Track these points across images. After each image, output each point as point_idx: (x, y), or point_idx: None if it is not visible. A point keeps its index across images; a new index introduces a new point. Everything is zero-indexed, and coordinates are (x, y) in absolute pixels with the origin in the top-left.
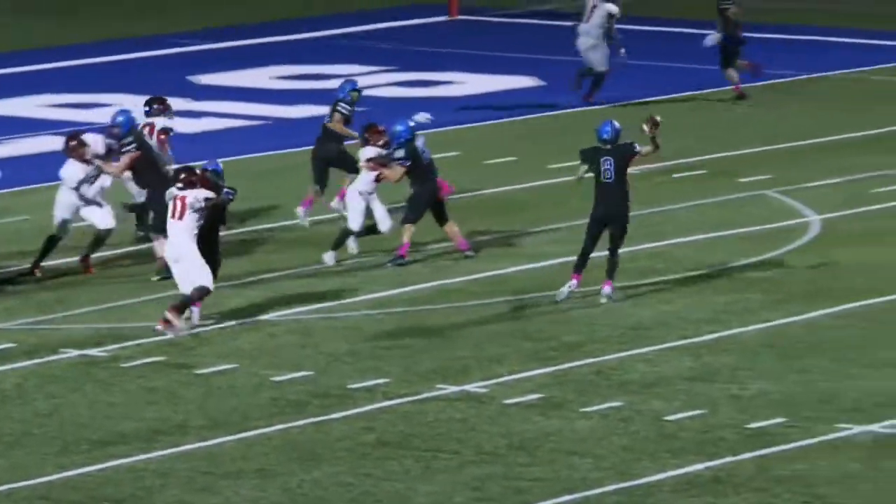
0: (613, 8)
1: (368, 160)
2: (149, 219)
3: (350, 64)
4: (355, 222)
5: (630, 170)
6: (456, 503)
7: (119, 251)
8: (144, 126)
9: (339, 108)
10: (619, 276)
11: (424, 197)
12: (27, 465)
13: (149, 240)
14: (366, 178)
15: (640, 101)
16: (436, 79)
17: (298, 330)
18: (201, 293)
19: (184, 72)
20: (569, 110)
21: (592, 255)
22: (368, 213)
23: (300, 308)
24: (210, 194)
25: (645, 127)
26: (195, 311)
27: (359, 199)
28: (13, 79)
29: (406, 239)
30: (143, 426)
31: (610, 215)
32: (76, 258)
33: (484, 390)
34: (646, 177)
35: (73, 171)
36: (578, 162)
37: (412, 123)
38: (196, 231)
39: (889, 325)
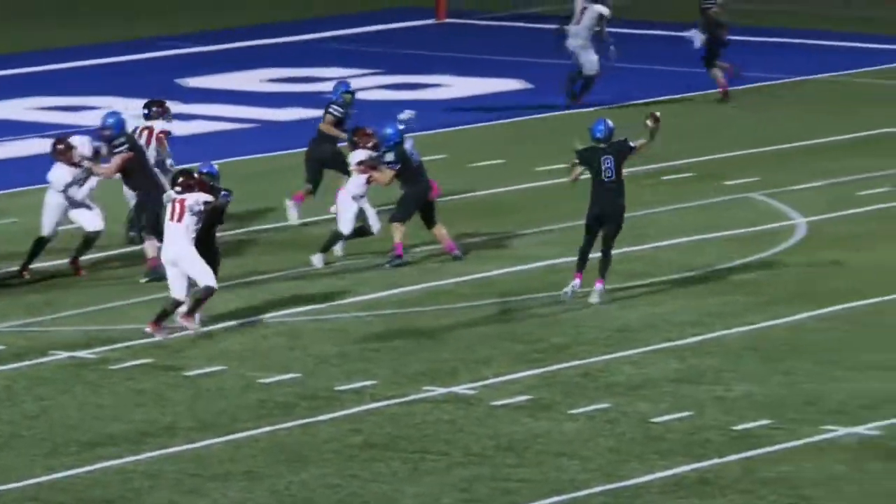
0: (604, 9)
1: (359, 163)
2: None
3: (338, 67)
4: (346, 225)
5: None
6: None
7: (108, 253)
8: (143, 129)
9: (330, 109)
10: (606, 278)
11: (414, 197)
12: (16, 467)
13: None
14: (357, 180)
15: (628, 103)
16: (423, 82)
17: (286, 332)
18: (208, 293)
19: (173, 75)
20: (556, 113)
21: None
22: (359, 216)
23: (288, 310)
24: (209, 198)
25: (648, 122)
26: (196, 316)
27: (351, 202)
28: (1, 82)
29: (398, 238)
30: (131, 428)
31: (607, 214)
32: (65, 260)
33: (472, 392)
34: (633, 179)
35: (60, 174)
36: (570, 164)
37: (401, 126)
38: (194, 234)
39: (873, 328)
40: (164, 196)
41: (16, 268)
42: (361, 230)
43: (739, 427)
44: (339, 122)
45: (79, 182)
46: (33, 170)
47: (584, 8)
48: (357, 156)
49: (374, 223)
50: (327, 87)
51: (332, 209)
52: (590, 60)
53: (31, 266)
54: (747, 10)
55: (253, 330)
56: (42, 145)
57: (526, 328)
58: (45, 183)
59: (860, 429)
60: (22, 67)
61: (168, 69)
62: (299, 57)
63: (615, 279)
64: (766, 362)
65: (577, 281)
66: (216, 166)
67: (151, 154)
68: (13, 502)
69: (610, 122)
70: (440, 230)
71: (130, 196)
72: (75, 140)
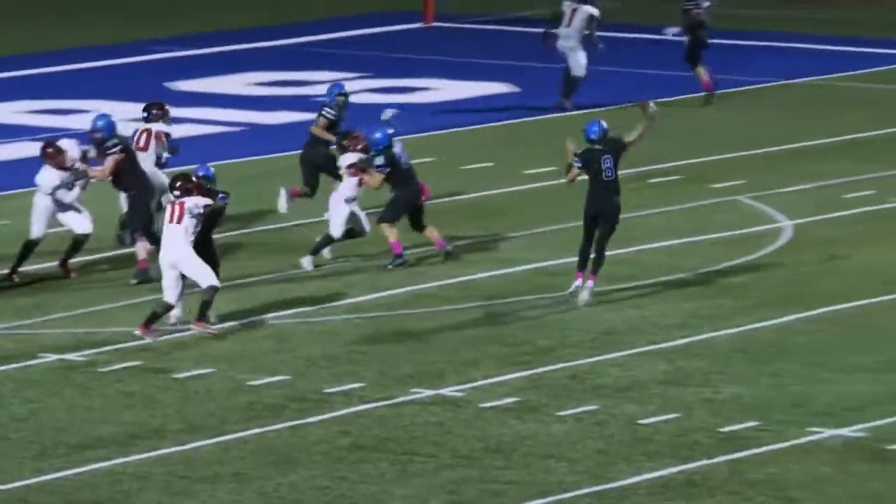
0: (594, 10)
1: (349, 166)
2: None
3: (326, 70)
4: (337, 229)
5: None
6: None
7: (98, 256)
8: (143, 131)
9: (323, 112)
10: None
11: (404, 199)
12: (4, 470)
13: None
14: (349, 183)
15: (616, 106)
16: (411, 85)
17: (275, 334)
18: (212, 292)
19: (161, 78)
20: (545, 116)
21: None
22: (350, 218)
23: (277, 313)
24: (208, 201)
25: (649, 107)
26: (210, 316)
27: (343, 206)
28: None
29: (393, 238)
30: (120, 430)
31: (604, 212)
32: (54, 263)
33: (459, 394)
34: (621, 182)
35: (48, 177)
36: (566, 164)
37: (390, 130)
38: (193, 236)
39: (860, 330)
40: (163, 199)
41: (5, 271)
42: (352, 232)
43: (727, 429)
44: (332, 125)
45: (67, 185)
46: (23, 173)
47: (575, 9)
48: (347, 159)
49: (365, 225)
50: (316, 90)
51: (327, 215)
52: (578, 62)
53: (21, 269)
54: (733, 15)
55: (242, 332)
56: (32, 148)
57: (513, 331)
58: (35, 186)
59: (846, 431)
60: (11, 71)
61: (157, 72)
62: (288, 60)
63: (603, 281)
64: (754, 364)
65: (579, 281)
66: (212, 169)
67: (152, 155)
68: None
69: (604, 123)
70: (432, 232)
71: (124, 199)
72: (64, 143)
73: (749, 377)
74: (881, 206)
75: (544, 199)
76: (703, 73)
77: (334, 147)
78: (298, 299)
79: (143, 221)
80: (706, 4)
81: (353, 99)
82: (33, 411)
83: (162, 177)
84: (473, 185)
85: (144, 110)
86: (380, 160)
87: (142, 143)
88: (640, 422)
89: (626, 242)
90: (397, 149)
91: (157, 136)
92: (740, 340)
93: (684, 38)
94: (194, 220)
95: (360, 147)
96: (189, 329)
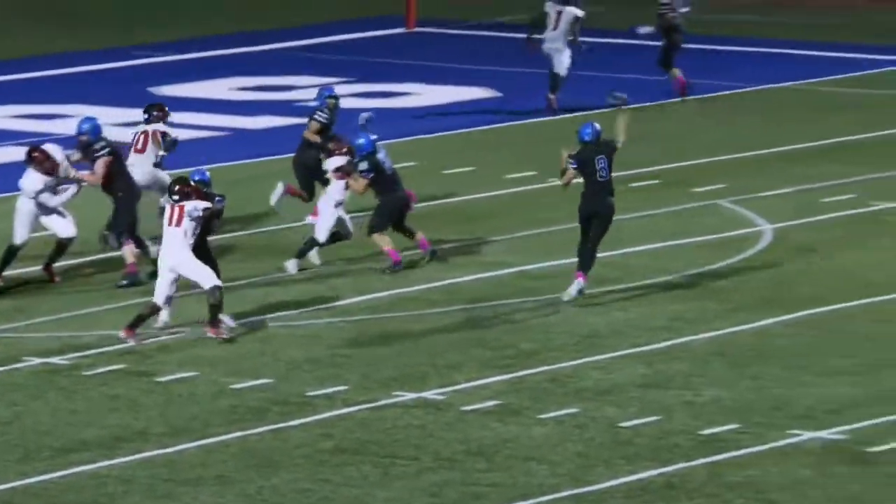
0: (578, 11)
1: (336, 169)
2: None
3: (309, 75)
4: (322, 233)
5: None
6: None
7: (82, 260)
8: (142, 133)
9: (315, 116)
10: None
11: (389, 206)
12: None
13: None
14: (337, 187)
15: (598, 111)
16: (393, 90)
17: (258, 338)
18: (217, 292)
19: (145, 83)
20: (526, 121)
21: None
22: (336, 223)
23: (260, 316)
24: (207, 204)
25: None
26: (225, 319)
27: (332, 210)
28: None
29: (386, 246)
30: (104, 433)
31: (599, 213)
32: (38, 267)
33: (441, 397)
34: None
35: (31, 180)
36: (562, 167)
37: (373, 136)
38: (192, 239)
39: (839, 334)
40: (161, 201)
41: None
42: (336, 236)
43: (707, 431)
44: (324, 128)
45: (50, 189)
46: (8, 178)
47: (560, 11)
48: (333, 162)
49: (350, 228)
50: (299, 95)
51: (310, 219)
52: (562, 63)
53: (4, 273)
54: (714, 20)
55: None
56: (16, 153)
57: (495, 334)
58: (19, 190)
59: (825, 433)
60: None
61: (141, 77)
62: (270, 65)
63: (588, 284)
64: (734, 367)
65: (580, 280)
66: (208, 173)
67: (150, 156)
68: None
69: (597, 125)
70: (418, 236)
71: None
72: (48, 148)
73: (729, 380)
74: (861, 210)
75: (526, 203)
76: (677, 73)
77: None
78: (282, 303)
79: (129, 224)
80: (684, 10)
81: None
82: (17, 415)
83: (164, 177)
84: (456, 190)
85: (145, 111)
86: (364, 165)
87: (139, 146)
88: (621, 424)
89: (609, 246)
90: (381, 155)
91: (153, 135)
92: (721, 343)
93: (655, 38)
94: (193, 223)
95: (344, 150)
96: (177, 332)
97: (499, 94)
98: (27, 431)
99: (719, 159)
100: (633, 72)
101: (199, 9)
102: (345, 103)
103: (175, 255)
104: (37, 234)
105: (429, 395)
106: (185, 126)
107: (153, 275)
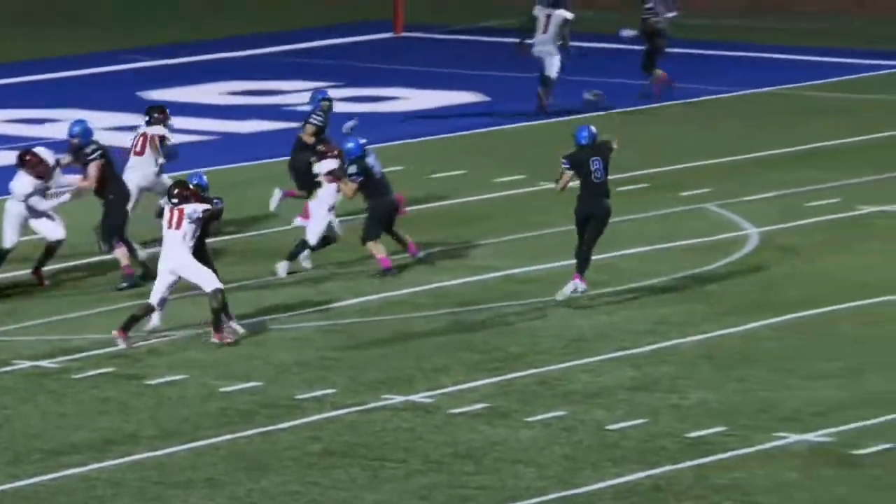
0: (568, 14)
1: (328, 172)
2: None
3: (297, 80)
4: (314, 235)
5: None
6: None
7: (72, 263)
8: (141, 136)
9: (311, 119)
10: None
11: (379, 211)
12: None
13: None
14: (330, 190)
15: (585, 115)
16: (381, 94)
17: (248, 341)
18: (219, 295)
19: (134, 88)
20: (514, 125)
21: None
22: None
23: (250, 320)
24: (207, 206)
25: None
26: (230, 325)
27: (325, 214)
28: None
29: (379, 253)
30: (94, 436)
31: (595, 214)
32: (28, 270)
33: (429, 400)
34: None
35: (22, 183)
36: (559, 172)
37: (362, 140)
38: (192, 241)
39: (824, 337)
40: (159, 203)
41: None
42: (326, 239)
43: (693, 434)
44: (320, 131)
45: (40, 192)
46: None
47: (549, 15)
48: (325, 166)
49: (338, 230)
50: (287, 99)
51: (296, 220)
52: (553, 65)
53: None
54: (698, 25)
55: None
56: (5, 158)
57: (483, 337)
58: (8, 194)
59: (811, 436)
60: None
61: (130, 82)
62: (259, 70)
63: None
64: (721, 370)
65: (577, 281)
66: (205, 177)
67: (149, 158)
68: None
69: (593, 128)
70: (407, 239)
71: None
72: (39, 152)
73: (716, 383)
74: (846, 214)
75: (514, 207)
76: (659, 73)
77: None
78: (272, 306)
79: (119, 227)
80: (671, 14)
81: None
82: (7, 418)
83: (164, 179)
84: (444, 193)
85: (146, 113)
86: (353, 169)
87: (138, 148)
88: (608, 427)
89: (599, 248)
90: (371, 159)
91: (151, 138)
92: (708, 346)
93: (638, 42)
94: (193, 226)
95: (335, 154)
96: (167, 336)
97: (486, 98)
98: (17, 434)
99: (706, 163)
100: (620, 76)
101: (188, 14)
102: (334, 107)
103: (176, 257)
104: (26, 238)
105: (417, 398)
106: (175, 130)
107: (143, 277)
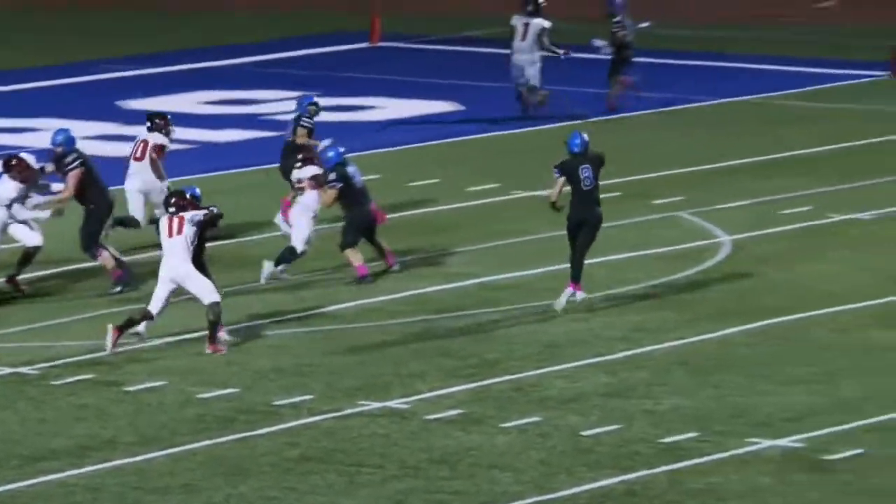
0: (545, 22)
1: (312, 177)
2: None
3: (274, 89)
4: (300, 242)
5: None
6: None
7: (52, 270)
8: (141, 142)
9: (301, 122)
10: (537, 295)
11: (357, 220)
12: None
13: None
14: (312, 195)
15: (561, 124)
16: (358, 104)
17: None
18: (217, 308)
19: (113, 97)
20: (489, 134)
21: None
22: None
23: (229, 327)
24: (207, 210)
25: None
26: (221, 336)
27: (308, 219)
28: None
29: (356, 261)
30: (73, 442)
31: (587, 221)
32: (1, 279)
33: (406, 406)
34: (565, 198)
35: (6, 188)
36: (555, 178)
37: (342, 149)
38: (193, 247)
39: (798, 343)
40: (157, 211)
41: None
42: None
43: (668, 439)
44: (311, 133)
45: (23, 198)
46: None
47: (527, 24)
48: (308, 171)
49: (311, 238)
50: (264, 109)
51: (280, 217)
52: (535, 74)
53: None
54: (670, 35)
55: (192, 346)
56: None
57: (459, 344)
58: None
59: (784, 441)
60: None
61: (109, 91)
62: (236, 79)
63: (546, 296)
64: (695, 376)
65: (571, 289)
66: (198, 189)
67: (148, 165)
68: None
69: (585, 136)
70: (387, 249)
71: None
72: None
73: (690, 389)
74: (817, 222)
75: (489, 215)
76: (622, 78)
77: (299, 164)
78: (250, 313)
79: (97, 234)
80: (644, 25)
81: None
82: None
83: (165, 187)
84: (420, 202)
85: (147, 120)
86: (332, 176)
87: (138, 154)
88: (583, 433)
89: None
90: (351, 169)
91: (155, 148)
92: (682, 353)
93: (609, 54)
94: (195, 228)
95: (316, 161)
96: (147, 344)
97: (462, 108)
98: None
99: (678, 172)
100: (594, 85)
101: (166, 24)
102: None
103: (179, 266)
104: (5, 246)
105: (393, 404)
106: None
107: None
